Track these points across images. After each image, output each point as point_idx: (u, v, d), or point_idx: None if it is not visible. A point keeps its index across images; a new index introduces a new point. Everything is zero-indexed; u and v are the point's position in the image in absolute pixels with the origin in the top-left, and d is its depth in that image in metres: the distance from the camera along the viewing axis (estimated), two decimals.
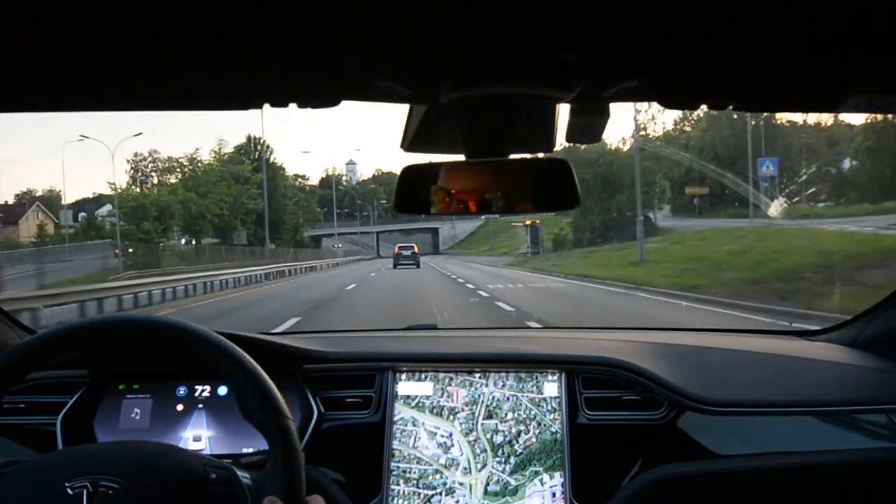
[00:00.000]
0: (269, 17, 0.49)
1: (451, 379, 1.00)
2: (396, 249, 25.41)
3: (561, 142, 0.75)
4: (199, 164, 33.48)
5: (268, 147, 41.28)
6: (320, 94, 0.63)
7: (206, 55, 0.55)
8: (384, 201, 60.38)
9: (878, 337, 1.06)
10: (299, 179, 56.48)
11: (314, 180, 62.32)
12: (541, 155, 0.79)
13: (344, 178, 73.64)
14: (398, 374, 1.01)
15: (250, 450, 0.95)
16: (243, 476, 0.63)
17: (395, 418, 0.99)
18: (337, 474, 0.96)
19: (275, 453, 0.62)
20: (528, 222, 24.83)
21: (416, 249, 24.89)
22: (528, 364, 1.01)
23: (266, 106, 0.64)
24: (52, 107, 0.71)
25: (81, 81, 0.61)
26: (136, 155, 33.82)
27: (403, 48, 0.55)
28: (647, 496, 0.93)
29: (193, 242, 31.66)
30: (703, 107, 0.68)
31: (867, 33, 0.55)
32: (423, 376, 1.01)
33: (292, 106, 0.63)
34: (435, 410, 0.99)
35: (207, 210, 29.69)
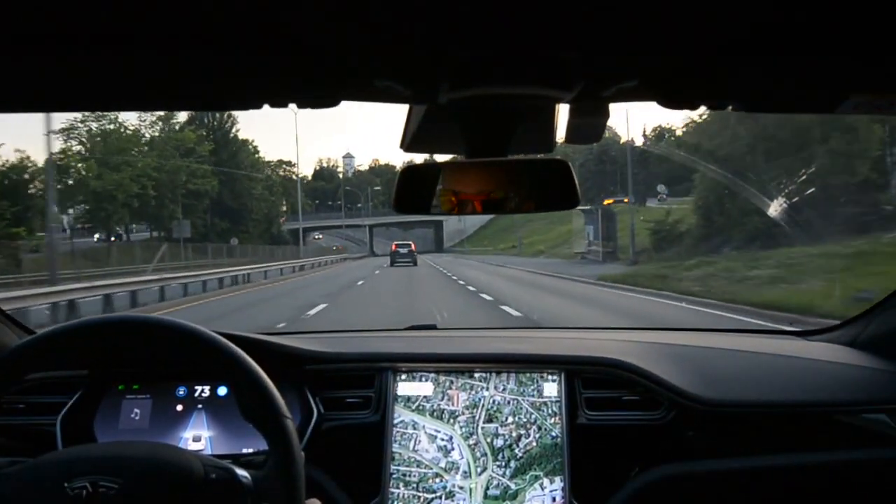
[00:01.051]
0: (268, 17, 0.67)
1: (452, 382, 1.41)
2: (393, 247, 31.36)
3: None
4: (119, 127, 31.97)
5: (229, 116, 41.01)
6: (320, 94, 0.87)
7: (205, 55, 0.74)
8: (378, 188, 62.63)
9: (878, 337, 1.45)
10: (284, 166, 58.43)
11: (307, 172, 64.23)
12: (541, 155, 1.13)
13: (339, 170, 78.73)
14: (398, 374, 1.43)
15: (250, 450, 1.36)
16: (243, 476, 0.92)
17: (396, 421, 1.40)
18: (337, 474, 1.37)
19: (275, 453, 0.91)
20: (610, 200, 21.83)
21: (412, 247, 30.74)
22: (528, 364, 1.41)
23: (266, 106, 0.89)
24: (52, 107, 1.06)
25: (81, 82, 0.83)
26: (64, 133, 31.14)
27: (403, 48, 0.76)
28: (647, 496, 1.32)
29: (109, 235, 30.04)
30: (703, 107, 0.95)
31: (867, 33, 0.74)
32: (422, 376, 1.43)
33: (292, 106, 0.89)
34: (435, 413, 1.40)
35: (121, 189, 28.30)
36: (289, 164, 60.93)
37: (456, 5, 0.65)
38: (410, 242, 33.58)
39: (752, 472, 1.35)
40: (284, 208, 51.04)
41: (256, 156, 46.42)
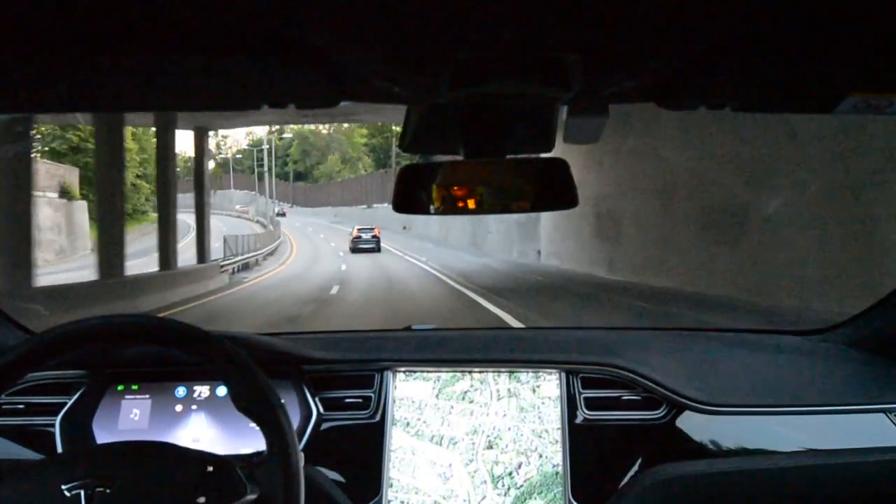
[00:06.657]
0: (268, 17, 0.69)
1: (452, 408, 1.41)
2: (355, 233, 30.77)
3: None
4: None
5: None
6: (319, 94, 0.87)
7: (204, 56, 0.75)
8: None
9: (878, 337, 1.47)
10: None
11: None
12: (540, 155, 1.15)
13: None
14: (397, 374, 1.44)
15: (249, 450, 1.35)
16: (243, 475, 0.93)
17: (394, 447, 1.40)
18: (336, 474, 1.38)
19: (270, 443, 0.93)
20: None
21: (376, 232, 29.79)
22: (528, 364, 1.42)
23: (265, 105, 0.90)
24: (51, 107, 1.03)
25: (80, 82, 0.83)
26: None
27: (402, 48, 0.77)
28: (647, 496, 1.33)
29: None
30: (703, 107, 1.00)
31: (867, 33, 0.75)
32: (422, 376, 1.44)
33: (291, 106, 0.89)
34: (434, 439, 1.40)
35: None
36: None
37: (456, 5, 0.66)
38: (374, 227, 31.65)
39: (751, 472, 1.36)
40: None
41: None
